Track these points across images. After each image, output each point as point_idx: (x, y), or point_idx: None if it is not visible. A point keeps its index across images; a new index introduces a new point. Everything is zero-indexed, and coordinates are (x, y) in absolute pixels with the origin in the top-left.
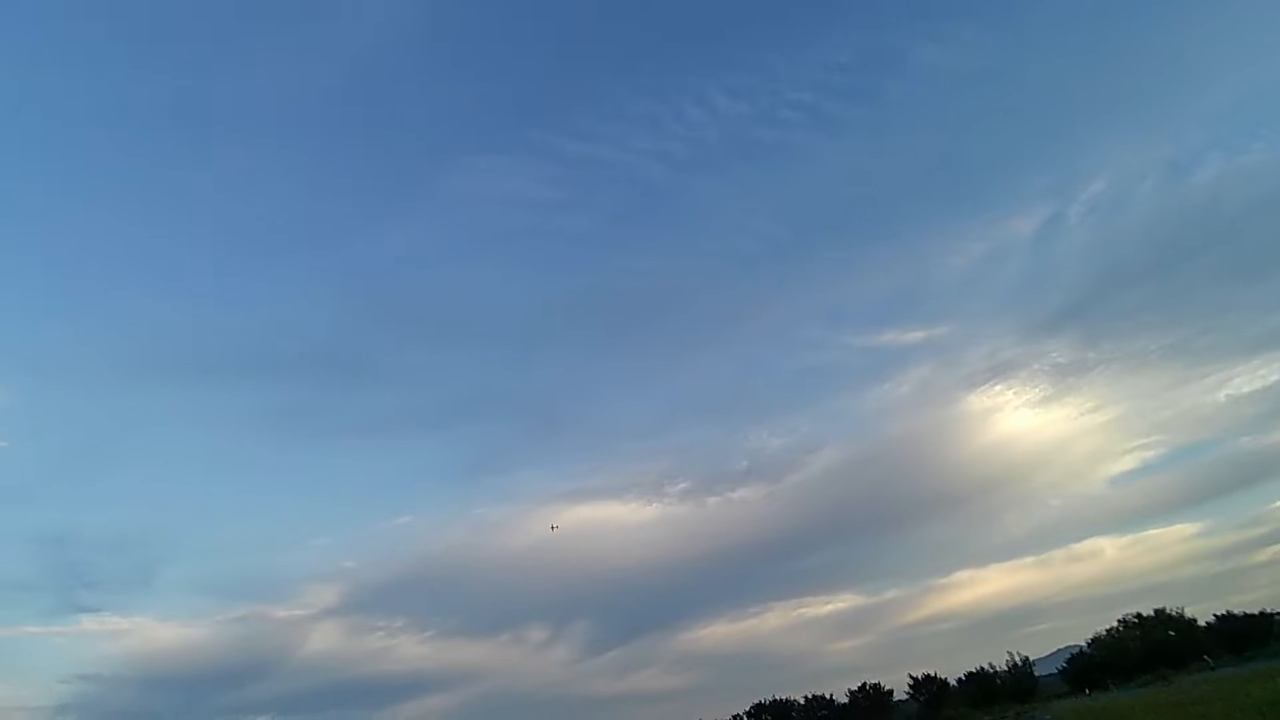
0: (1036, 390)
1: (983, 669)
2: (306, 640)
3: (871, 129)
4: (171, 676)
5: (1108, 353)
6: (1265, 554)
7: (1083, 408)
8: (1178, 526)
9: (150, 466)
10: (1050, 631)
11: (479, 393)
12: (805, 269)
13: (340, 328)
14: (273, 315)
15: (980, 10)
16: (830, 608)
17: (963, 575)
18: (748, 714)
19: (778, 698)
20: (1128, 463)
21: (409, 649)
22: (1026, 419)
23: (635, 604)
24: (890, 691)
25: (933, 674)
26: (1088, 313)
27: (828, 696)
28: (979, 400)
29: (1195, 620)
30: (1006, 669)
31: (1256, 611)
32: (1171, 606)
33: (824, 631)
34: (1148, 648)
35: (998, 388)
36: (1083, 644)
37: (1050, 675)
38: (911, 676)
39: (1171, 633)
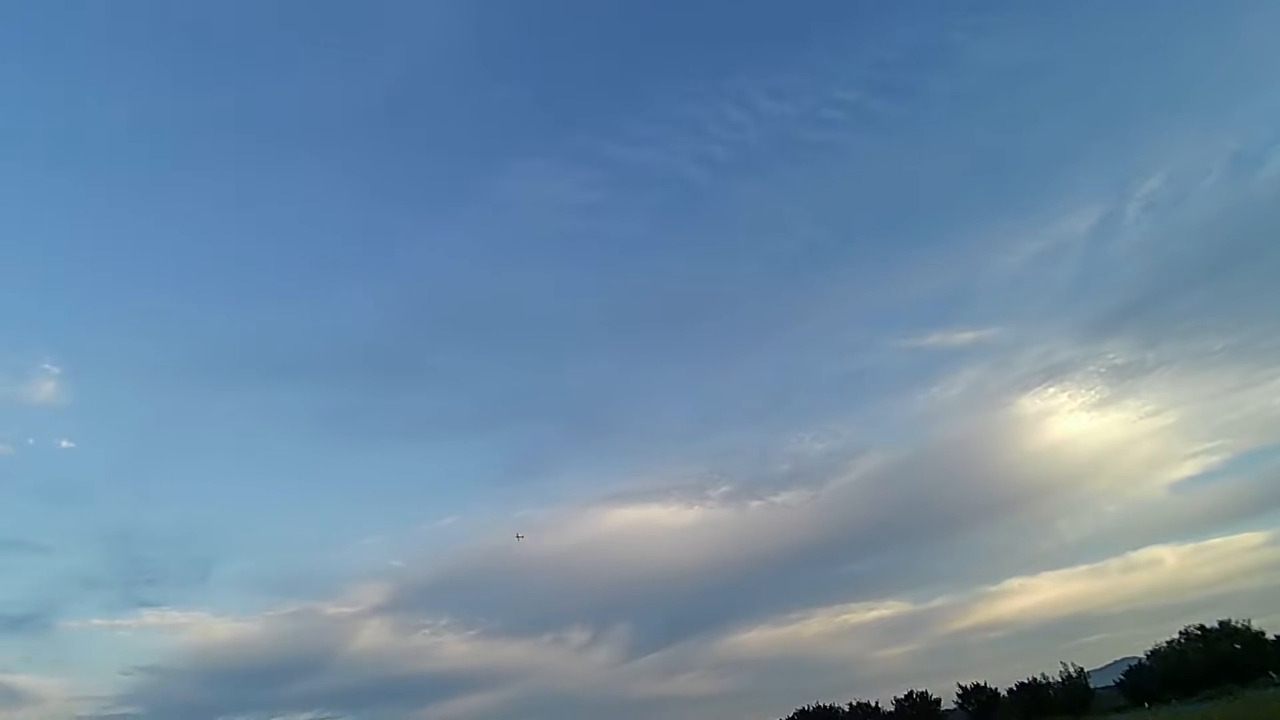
0: (1092, 393)
1: (1035, 679)
2: (355, 637)
3: (918, 127)
4: (226, 669)
5: (1168, 354)
6: None
7: (1141, 411)
8: (1243, 535)
9: (208, 467)
10: (1106, 642)
11: (523, 395)
12: (850, 271)
13: (390, 331)
14: (325, 319)
15: (1029, 2)
16: (875, 614)
17: (1014, 583)
18: None
19: (821, 704)
20: (1190, 468)
21: (453, 647)
22: (1082, 422)
23: (676, 607)
24: (938, 700)
25: (982, 683)
26: (1147, 313)
27: (873, 704)
28: (1032, 403)
29: (1263, 633)
30: (1060, 680)
31: None
32: (1237, 618)
33: (869, 638)
34: (1211, 661)
35: (1051, 390)
36: (1141, 656)
37: (1106, 688)
38: (960, 685)
39: (1237, 646)
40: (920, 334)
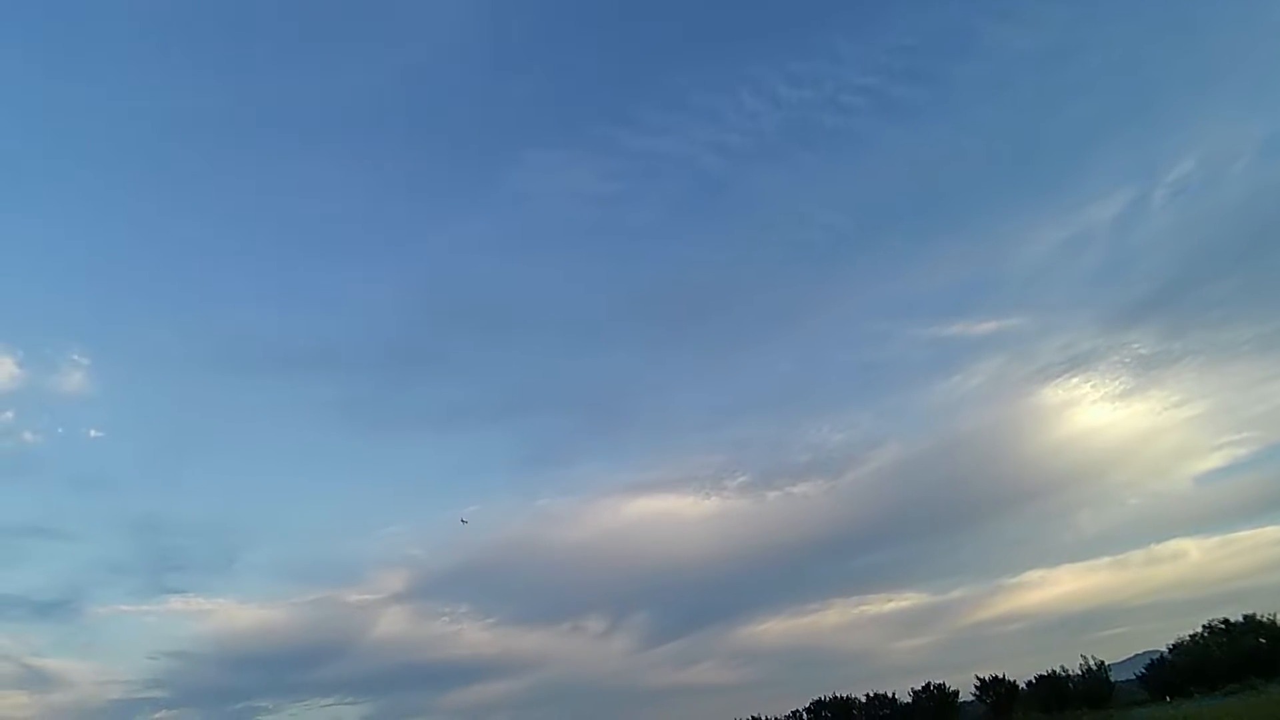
0: (1116, 383)
1: (1054, 672)
2: (375, 624)
3: (939, 113)
4: (250, 655)
5: (1195, 344)
6: None
7: (1167, 401)
8: (1269, 528)
9: (233, 456)
10: (1127, 636)
11: (541, 385)
12: (869, 259)
13: (410, 322)
14: (347, 311)
15: None
16: (893, 605)
17: (1033, 575)
18: (807, 710)
19: (838, 695)
20: (1216, 460)
21: (472, 635)
22: (1105, 413)
23: (694, 597)
24: (956, 692)
25: (1001, 675)
26: (1173, 302)
27: (890, 695)
28: (1054, 393)
29: None
30: (1080, 673)
31: None
32: (1262, 612)
33: (886, 630)
34: (1235, 655)
35: (1074, 380)
36: (1164, 649)
37: (1128, 681)
38: (978, 678)
39: (1261, 640)
40: (941, 324)
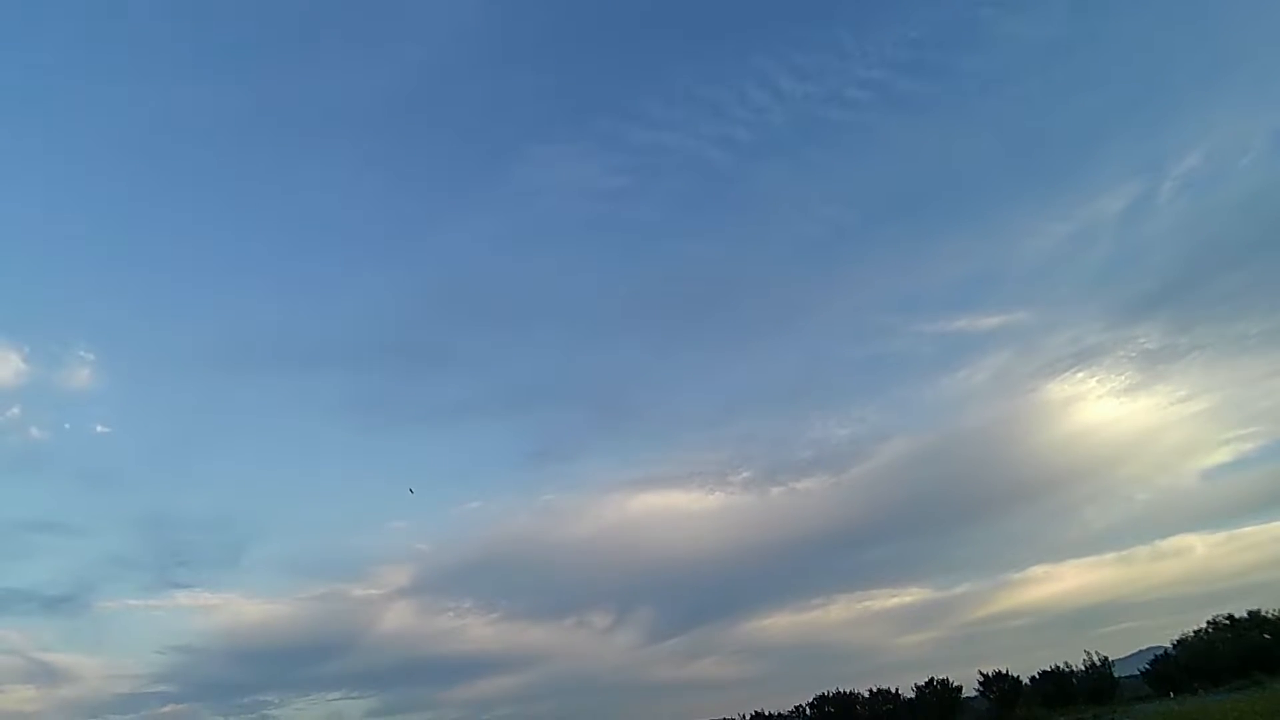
0: (1122, 378)
1: (1058, 668)
2: (381, 619)
3: (946, 107)
4: (256, 650)
5: (1202, 338)
6: None
7: (1173, 396)
8: (1276, 524)
9: (240, 451)
10: (1132, 631)
11: (547, 381)
12: (875, 253)
13: (416, 317)
14: (353, 306)
15: None
16: (897, 601)
17: (1038, 570)
18: (810, 706)
19: (841, 690)
20: (1222, 455)
21: (477, 630)
22: (1111, 408)
23: (698, 593)
24: (959, 688)
25: (1005, 671)
26: (1181, 296)
27: (893, 691)
28: (1059, 389)
29: None
30: (1084, 668)
31: None
32: (1267, 609)
33: (890, 625)
34: (1240, 651)
35: (1080, 375)
36: (1167, 645)
37: (1131, 677)
38: (982, 673)
39: (1267, 636)
40: (947, 318)
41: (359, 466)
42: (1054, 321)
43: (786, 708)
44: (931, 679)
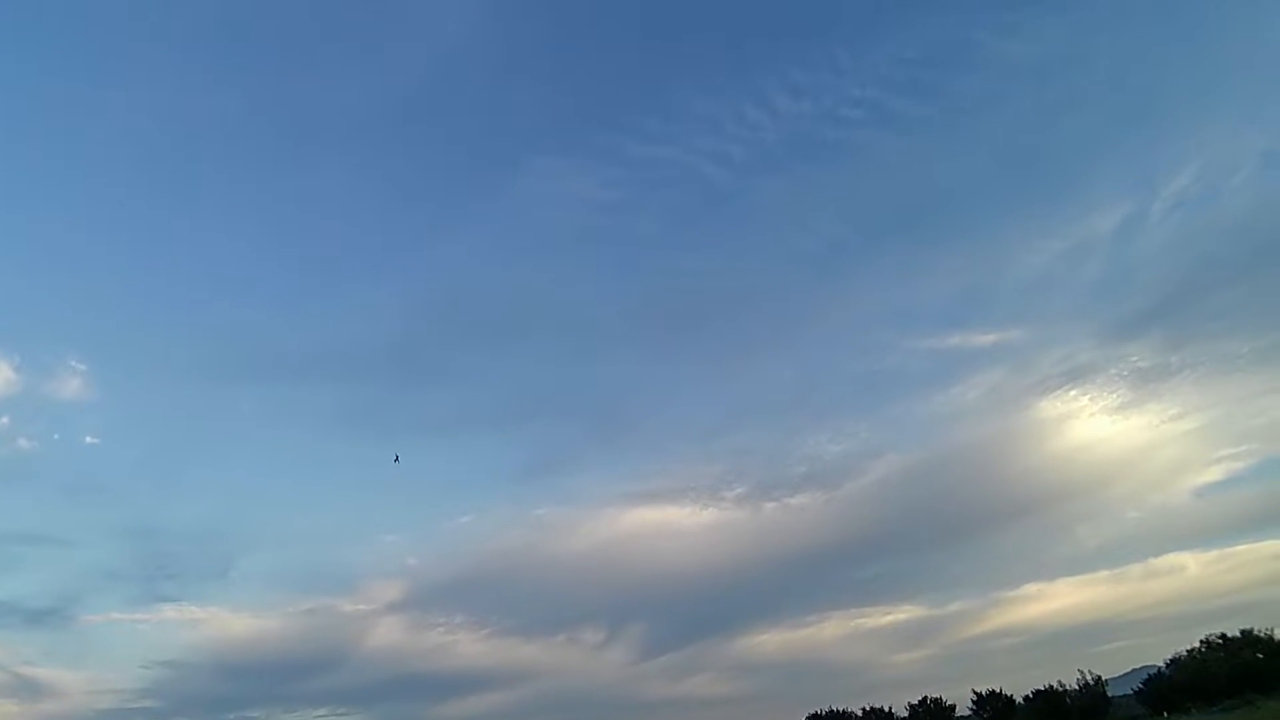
0: (1115, 396)
1: (1051, 686)
2: (370, 634)
3: (940, 125)
4: (243, 665)
5: (1193, 357)
6: None
7: (1165, 415)
8: (1268, 542)
9: (231, 463)
10: (1125, 650)
11: (543, 393)
12: (870, 270)
13: (412, 329)
14: (348, 317)
15: None
16: (890, 618)
17: (1031, 588)
18: None
19: (835, 708)
20: (1214, 473)
21: (467, 646)
22: (1103, 426)
23: (691, 609)
24: (952, 706)
25: (998, 690)
26: (1172, 314)
27: (886, 709)
28: (1052, 406)
29: None
30: (1077, 687)
31: None
32: (1260, 627)
33: (883, 642)
34: (1233, 670)
35: (1073, 393)
36: (1161, 664)
37: (1124, 696)
38: (975, 692)
39: (1259, 655)
40: (941, 335)
41: (351, 478)
42: (1047, 339)
43: None
44: (925, 697)
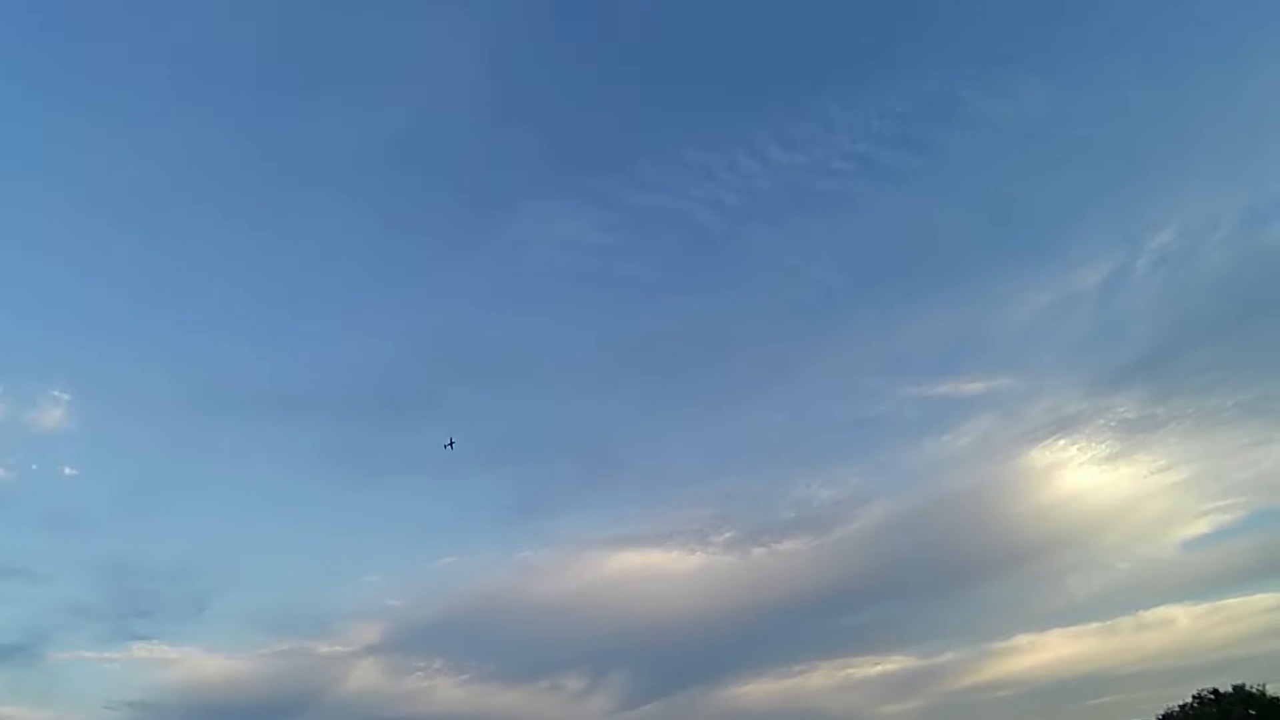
0: (1102, 446)
1: None
2: (346, 677)
3: (929, 179)
4: (214, 706)
5: (1179, 409)
6: None
7: (1152, 466)
8: (1259, 596)
9: (210, 499)
10: (1117, 704)
11: (531, 434)
12: (860, 317)
13: (401, 368)
14: (337, 355)
15: (1037, 58)
16: (880, 668)
17: (1022, 640)
18: None
19: None
20: (1202, 526)
21: (446, 691)
22: (1091, 476)
23: (676, 656)
24: None
25: None
26: (1158, 367)
27: None
28: (1041, 455)
29: (1278, 698)
30: None
31: None
32: (1252, 683)
33: (873, 693)
34: None
35: (1061, 443)
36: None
37: None
38: None
39: (1252, 711)
40: (930, 383)
41: (334, 517)
42: (1035, 388)
43: None
44: None
